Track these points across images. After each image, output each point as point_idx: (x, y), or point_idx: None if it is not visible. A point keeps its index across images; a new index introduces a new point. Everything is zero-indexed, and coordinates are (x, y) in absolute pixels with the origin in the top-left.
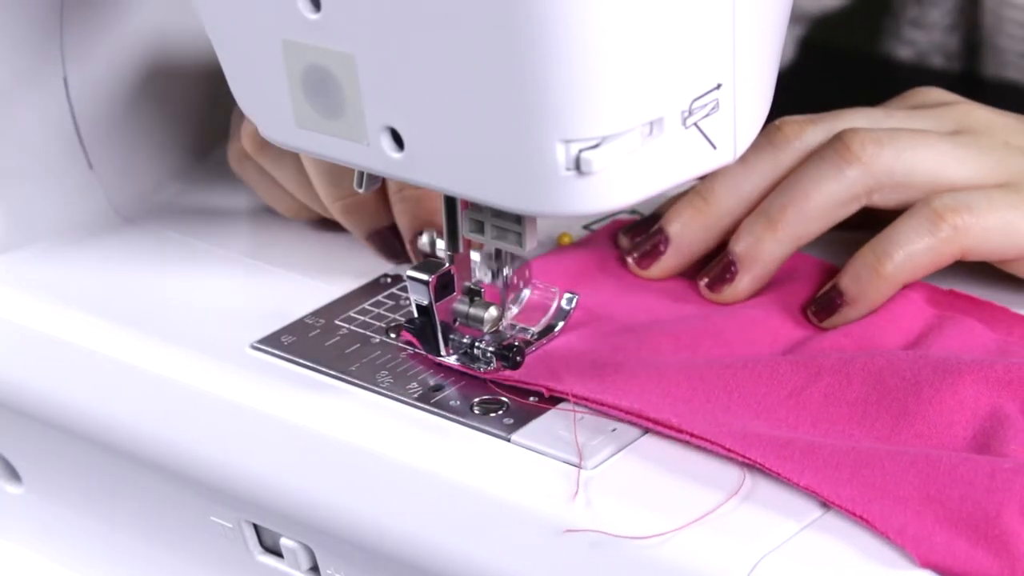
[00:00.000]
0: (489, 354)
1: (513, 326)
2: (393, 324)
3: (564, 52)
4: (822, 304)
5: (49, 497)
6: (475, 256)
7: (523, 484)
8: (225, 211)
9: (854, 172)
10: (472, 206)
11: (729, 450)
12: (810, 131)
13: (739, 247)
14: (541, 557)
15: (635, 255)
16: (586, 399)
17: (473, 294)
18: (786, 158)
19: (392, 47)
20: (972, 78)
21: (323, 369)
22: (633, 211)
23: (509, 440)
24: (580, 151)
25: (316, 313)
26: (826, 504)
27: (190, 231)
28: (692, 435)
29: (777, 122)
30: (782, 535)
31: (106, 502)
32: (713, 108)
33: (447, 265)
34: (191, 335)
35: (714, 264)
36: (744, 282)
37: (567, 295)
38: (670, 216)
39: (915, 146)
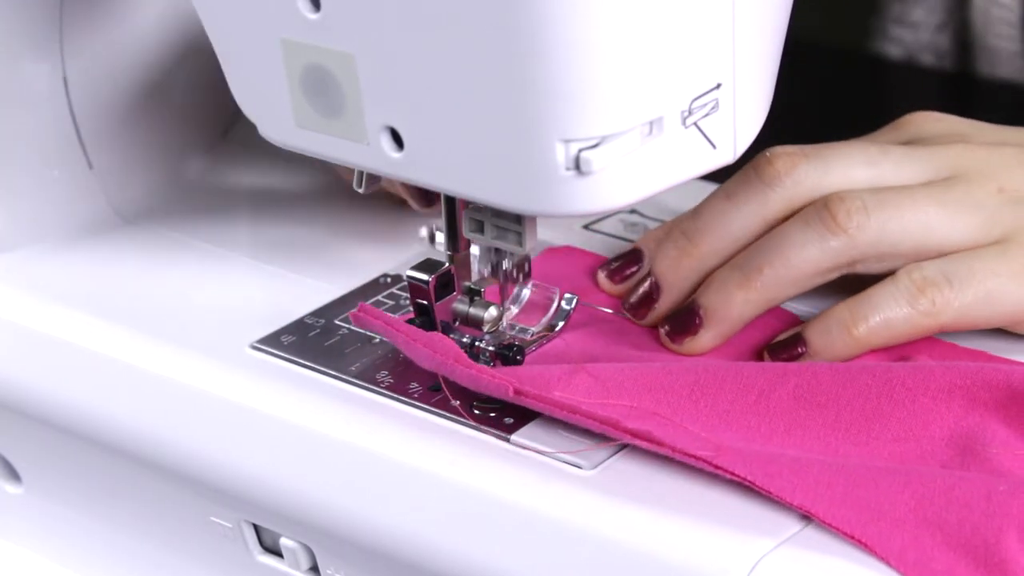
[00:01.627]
0: (489, 354)
1: (513, 326)
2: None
3: (564, 52)
4: (781, 348)
5: (49, 497)
6: (475, 251)
7: (523, 484)
8: (225, 211)
9: (838, 243)
10: (472, 206)
11: (716, 467)
12: (802, 169)
13: (708, 300)
14: (541, 557)
15: (629, 305)
16: (565, 409)
17: (473, 294)
18: (776, 197)
19: (392, 47)
20: (964, 77)
21: (323, 369)
22: (633, 211)
23: (509, 440)
24: (580, 151)
25: (316, 313)
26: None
27: (190, 231)
28: (674, 449)
29: (768, 154)
30: (782, 534)
31: (106, 502)
32: (713, 108)
33: (447, 265)
34: (191, 335)
35: (679, 312)
36: (706, 337)
37: (567, 295)
38: (659, 262)
39: (902, 213)
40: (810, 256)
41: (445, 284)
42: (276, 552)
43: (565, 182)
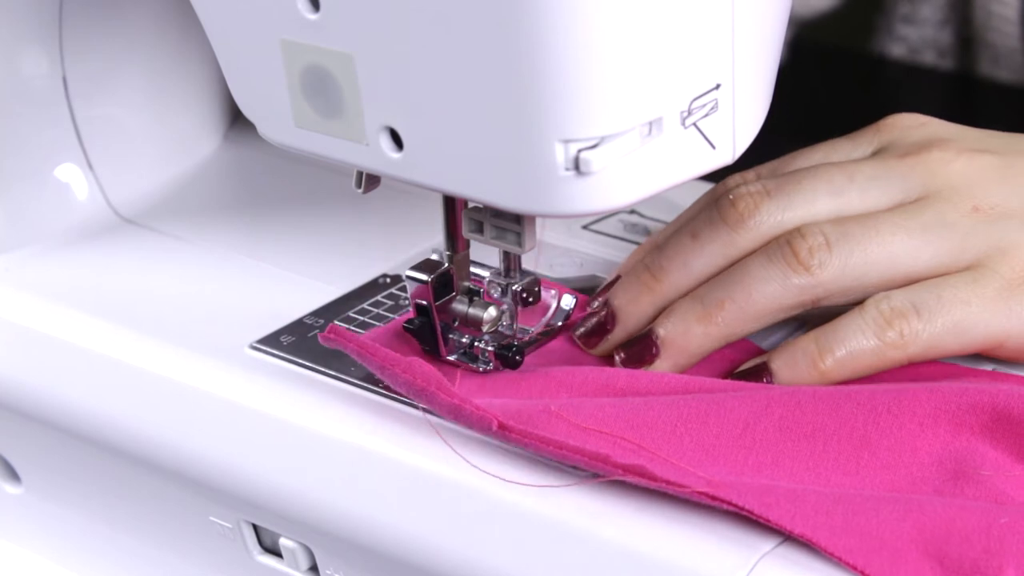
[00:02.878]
0: (488, 354)
1: (511, 327)
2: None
3: (563, 52)
4: (746, 378)
5: (49, 497)
6: (484, 273)
7: (522, 485)
8: (225, 211)
9: (800, 280)
10: (471, 206)
11: (713, 497)
12: (765, 208)
13: (666, 331)
14: (541, 558)
15: (581, 332)
16: (552, 445)
17: (472, 294)
18: (739, 239)
19: (391, 47)
20: (964, 74)
21: (323, 369)
22: (632, 211)
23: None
24: (579, 151)
25: (316, 313)
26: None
27: (190, 231)
28: (668, 483)
29: (731, 192)
30: (782, 534)
31: (106, 502)
32: (712, 108)
33: (446, 265)
34: (191, 335)
35: (635, 340)
36: (662, 368)
37: (567, 296)
38: (618, 294)
39: (866, 245)
40: (772, 293)
41: (444, 284)
42: (275, 552)
43: (565, 182)
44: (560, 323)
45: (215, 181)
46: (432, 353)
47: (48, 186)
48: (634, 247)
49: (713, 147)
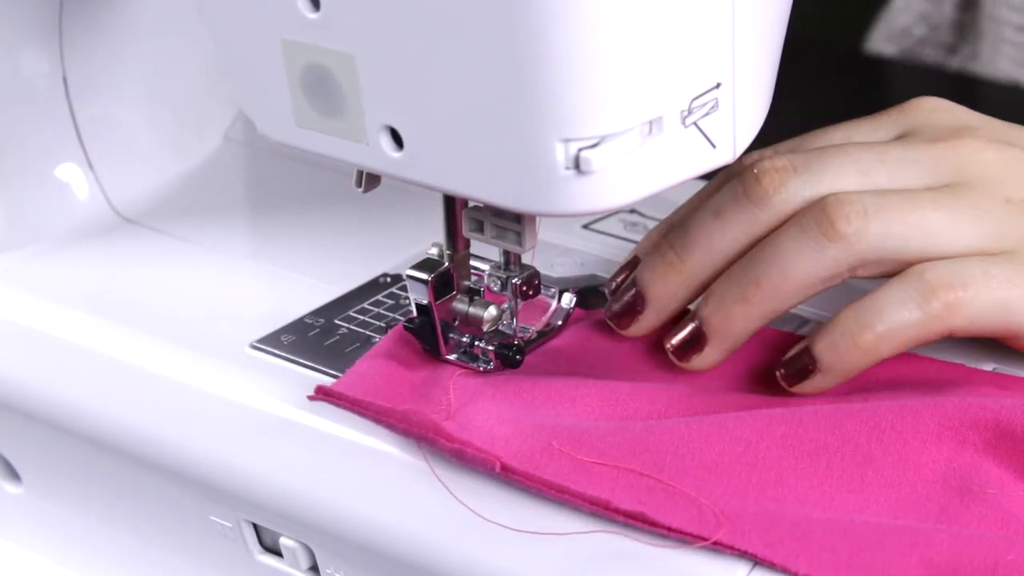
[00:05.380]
0: (489, 354)
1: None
2: (393, 324)
3: (563, 51)
4: (793, 369)
5: (49, 497)
6: (483, 266)
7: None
8: (225, 211)
9: (837, 250)
10: (472, 205)
11: (716, 543)
12: (792, 185)
13: (710, 316)
14: (542, 558)
15: (612, 313)
16: (552, 487)
17: (472, 293)
18: (765, 216)
19: (392, 46)
20: (964, 71)
21: (323, 369)
22: (633, 210)
23: None
24: (579, 150)
25: (316, 313)
26: None
27: (190, 231)
28: (670, 529)
29: (755, 167)
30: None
31: (106, 502)
32: (713, 107)
33: (446, 264)
34: (191, 335)
35: (681, 329)
36: (713, 354)
37: (567, 295)
38: (644, 273)
39: (905, 217)
40: (808, 266)
41: (444, 283)
42: (276, 552)
43: (565, 182)
44: (560, 322)
45: (215, 181)
46: (432, 352)
47: (48, 186)
48: (634, 247)
49: (714, 146)
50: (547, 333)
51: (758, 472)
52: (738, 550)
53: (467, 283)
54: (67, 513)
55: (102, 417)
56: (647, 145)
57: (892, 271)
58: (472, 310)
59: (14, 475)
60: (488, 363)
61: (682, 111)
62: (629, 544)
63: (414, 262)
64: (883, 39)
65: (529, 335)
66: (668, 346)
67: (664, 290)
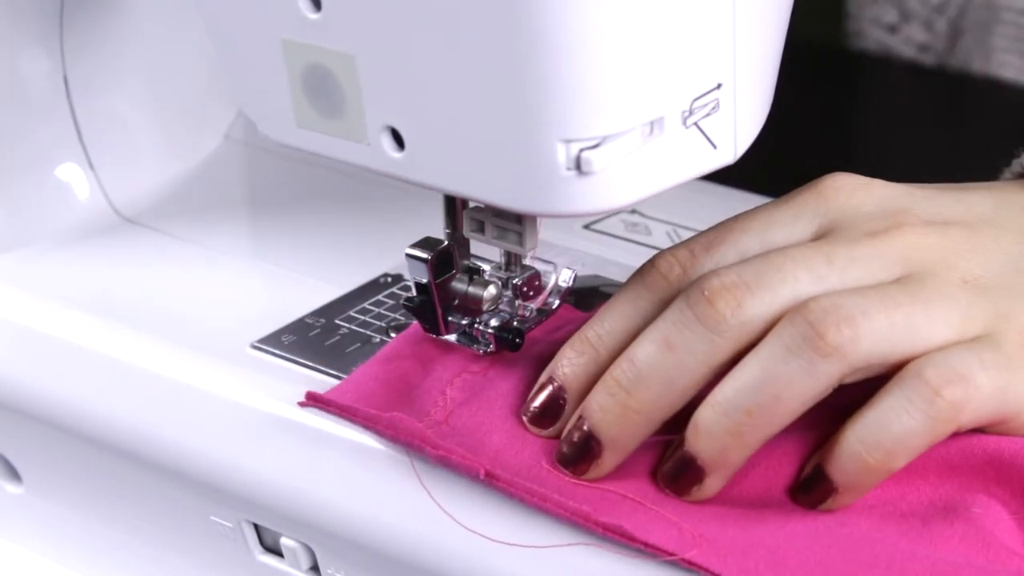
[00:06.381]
0: (488, 335)
1: (512, 304)
2: (393, 324)
3: (564, 51)
4: (810, 493)
5: (49, 497)
6: (485, 267)
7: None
8: (225, 211)
9: (828, 364)
10: (473, 205)
11: (690, 563)
12: (748, 304)
13: (703, 452)
14: (542, 559)
15: (565, 458)
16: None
17: (472, 273)
18: (724, 344)
19: (392, 47)
20: (950, 69)
21: (323, 369)
22: (633, 211)
23: None
24: (580, 151)
25: (316, 313)
26: None
27: (190, 231)
28: (647, 545)
29: (704, 286)
30: None
31: (106, 502)
32: (713, 108)
33: (446, 243)
34: (191, 335)
35: (677, 467)
36: (715, 484)
37: (565, 270)
38: (595, 415)
39: (890, 317)
40: (801, 387)
41: (444, 262)
42: (276, 552)
43: (566, 182)
44: (558, 302)
45: (216, 181)
46: (432, 332)
47: (49, 185)
48: (635, 247)
49: (715, 147)
50: (547, 312)
51: (740, 493)
52: (712, 573)
53: (466, 262)
54: (67, 513)
55: (102, 417)
56: (648, 146)
57: (877, 375)
58: (471, 289)
59: (14, 475)
60: (488, 345)
61: (683, 112)
62: (631, 549)
63: None
64: (861, 37)
65: (528, 314)
66: (663, 482)
67: (622, 433)
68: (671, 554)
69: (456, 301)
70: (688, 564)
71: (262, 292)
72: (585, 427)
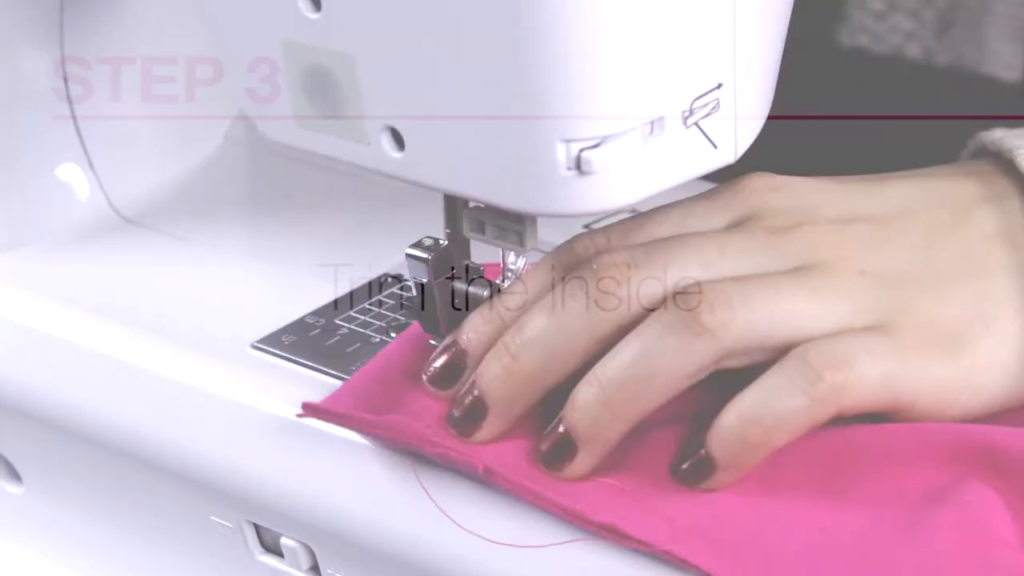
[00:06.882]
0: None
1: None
2: (393, 324)
3: (565, 52)
4: (689, 468)
5: (49, 497)
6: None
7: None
8: (225, 211)
9: (703, 344)
10: (473, 205)
11: (682, 560)
12: (632, 283)
13: (576, 424)
14: (542, 559)
15: (453, 420)
16: (524, 490)
17: (472, 273)
18: (606, 317)
19: (393, 47)
20: (943, 64)
21: (323, 369)
22: (633, 211)
23: None
24: (581, 151)
25: (316, 313)
26: None
27: (190, 231)
28: (640, 543)
29: (594, 264)
30: None
31: (106, 502)
32: (714, 107)
33: (446, 243)
34: (191, 335)
35: (550, 438)
36: (586, 462)
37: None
38: (483, 378)
39: (770, 303)
40: (674, 365)
41: (443, 262)
42: (277, 552)
43: (566, 182)
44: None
45: (216, 181)
46: (432, 332)
47: (49, 186)
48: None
49: (715, 146)
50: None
51: (737, 490)
52: (703, 570)
53: (466, 262)
54: (67, 513)
55: (102, 417)
56: (648, 145)
57: (760, 360)
58: (472, 289)
59: (15, 475)
60: None
61: (683, 111)
62: (632, 550)
63: None
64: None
65: None
66: (538, 455)
67: (505, 395)
68: (665, 551)
69: (455, 302)
70: (680, 560)
71: (262, 292)
72: (476, 392)
